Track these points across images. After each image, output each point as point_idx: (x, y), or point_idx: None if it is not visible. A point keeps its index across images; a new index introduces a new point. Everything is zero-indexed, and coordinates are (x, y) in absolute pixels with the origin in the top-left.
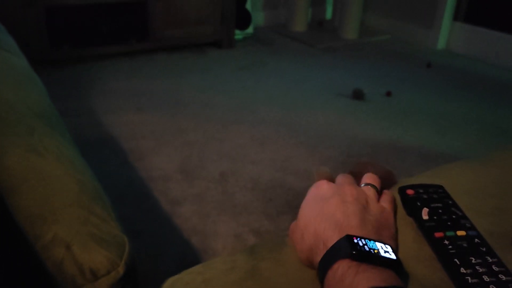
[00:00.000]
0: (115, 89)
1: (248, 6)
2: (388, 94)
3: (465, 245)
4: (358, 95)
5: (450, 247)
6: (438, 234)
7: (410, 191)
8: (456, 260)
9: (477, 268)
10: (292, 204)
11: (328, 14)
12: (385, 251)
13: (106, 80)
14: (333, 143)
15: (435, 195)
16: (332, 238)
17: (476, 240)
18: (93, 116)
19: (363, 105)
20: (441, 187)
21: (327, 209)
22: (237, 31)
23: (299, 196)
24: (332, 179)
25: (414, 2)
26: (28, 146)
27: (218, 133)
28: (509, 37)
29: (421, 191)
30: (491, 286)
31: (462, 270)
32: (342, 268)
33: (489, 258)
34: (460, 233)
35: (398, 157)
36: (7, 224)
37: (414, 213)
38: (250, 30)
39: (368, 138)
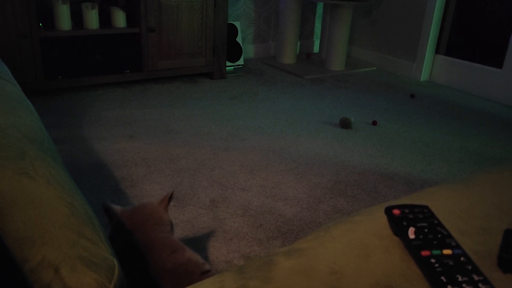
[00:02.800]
0: (108, 117)
1: (239, 39)
2: (374, 123)
3: (451, 263)
4: (345, 124)
5: (436, 265)
6: (424, 253)
7: (396, 211)
8: (443, 278)
9: (464, 286)
10: (282, 230)
11: (316, 47)
12: None
13: (100, 109)
14: (321, 170)
15: (421, 215)
16: None
17: (462, 258)
18: (86, 143)
19: (350, 133)
20: (426, 207)
21: None
22: (228, 63)
23: (289, 221)
24: None
25: (398, 36)
26: (19, 169)
27: (209, 160)
28: (487, 68)
29: (407, 211)
30: None
31: None
32: None
33: (475, 276)
34: (446, 251)
35: (386, 184)
36: None
37: (400, 232)
38: (240, 61)
39: (355, 165)
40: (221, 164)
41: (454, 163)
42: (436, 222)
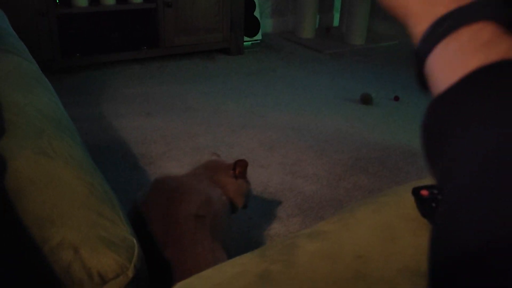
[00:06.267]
0: (126, 95)
1: (257, 13)
2: (396, 98)
3: None
4: (366, 100)
5: None
6: None
7: (424, 192)
8: None
9: None
10: (302, 207)
11: (336, 21)
12: None
13: (117, 86)
14: (341, 147)
15: None
16: None
17: None
18: (104, 121)
19: (371, 109)
20: None
21: None
22: (245, 38)
23: (309, 199)
24: None
25: None
26: (37, 148)
27: (227, 137)
28: None
29: (435, 191)
30: None
31: None
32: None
33: None
34: None
35: (408, 161)
36: (14, 226)
37: (429, 214)
38: (258, 36)
39: (376, 142)
40: (240, 142)
41: None
42: None
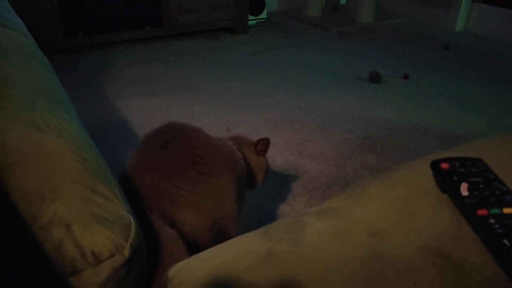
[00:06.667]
0: (129, 75)
1: None
2: (406, 77)
3: None
4: (375, 78)
5: (497, 226)
6: (481, 212)
7: (444, 165)
8: (505, 241)
9: None
10: (307, 187)
11: None
12: None
13: (120, 66)
14: (349, 126)
15: (474, 169)
16: None
17: None
18: (107, 101)
19: (380, 88)
20: (480, 160)
21: None
22: (250, 17)
23: (315, 179)
24: None
25: None
26: (29, 121)
27: (232, 117)
28: None
29: (457, 164)
30: None
31: None
32: None
33: None
34: (507, 210)
35: (418, 140)
36: (1, 203)
37: (450, 189)
38: (263, 15)
39: (385, 120)
40: (245, 121)
41: (491, 118)
42: (492, 176)
